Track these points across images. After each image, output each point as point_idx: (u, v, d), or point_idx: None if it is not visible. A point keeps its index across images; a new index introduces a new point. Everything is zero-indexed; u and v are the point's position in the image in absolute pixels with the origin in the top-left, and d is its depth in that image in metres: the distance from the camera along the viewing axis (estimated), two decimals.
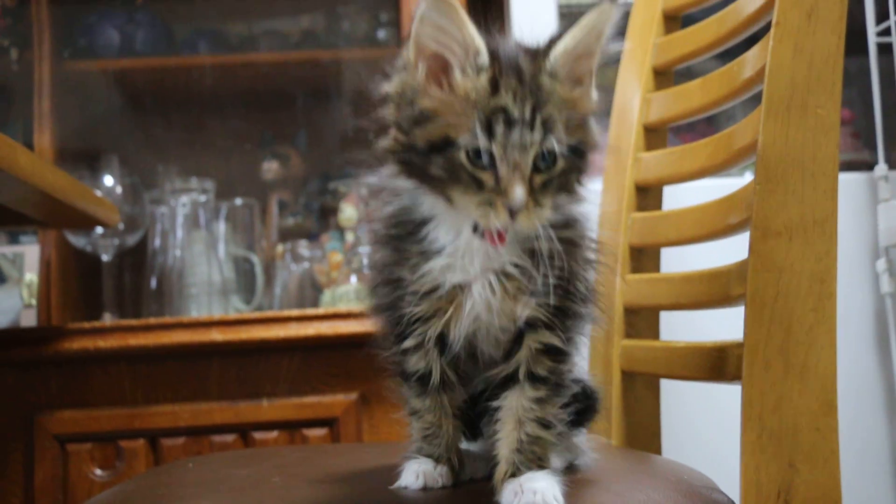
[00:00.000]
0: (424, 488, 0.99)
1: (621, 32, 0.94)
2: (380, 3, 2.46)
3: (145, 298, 2.23)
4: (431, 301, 0.96)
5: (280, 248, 2.31)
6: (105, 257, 2.21)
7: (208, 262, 2.20)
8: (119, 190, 2.23)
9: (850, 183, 2.07)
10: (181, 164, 2.45)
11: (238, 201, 2.34)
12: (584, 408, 1.07)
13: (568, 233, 0.94)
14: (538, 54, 0.90)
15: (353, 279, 2.14)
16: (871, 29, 2.09)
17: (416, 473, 1.00)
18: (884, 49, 2.08)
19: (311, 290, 2.24)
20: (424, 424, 1.02)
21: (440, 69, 0.90)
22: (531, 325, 0.95)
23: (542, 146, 0.87)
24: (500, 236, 0.91)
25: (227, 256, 2.26)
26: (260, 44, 2.52)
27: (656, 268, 1.51)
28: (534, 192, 0.87)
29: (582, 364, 1.10)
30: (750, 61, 1.24)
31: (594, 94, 0.94)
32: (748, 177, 1.87)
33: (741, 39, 1.38)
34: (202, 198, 2.24)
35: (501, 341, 0.97)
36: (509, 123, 0.86)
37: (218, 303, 2.19)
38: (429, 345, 0.98)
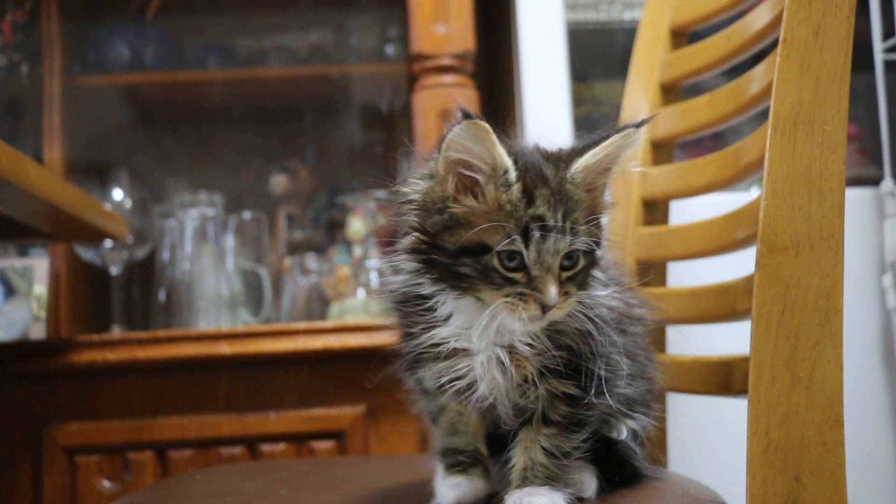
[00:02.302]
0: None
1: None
2: (388, 18, 2.47)
3: (154, 311, 2.24)
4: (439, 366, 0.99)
5: (288, 261, 2.31)
6: (114, 270, 2.22)
7: (216, 276, 2.21)
8: (128, 203, 2.24)
9: (856, 199, 2.08)
10: (190, 178, 2.46)
11: (246, 215, 2.34)
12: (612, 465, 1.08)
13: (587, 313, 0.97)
14: (560, 162, 0.95)
15: (361, 292, 2.14)
16: (878, 46, 2.09)
17: (449, 485, 1.01)
18: (890, 66, 2.09)
19: (318, 304, 2.24)
20: (450, 417, 1.03)
21: (469, 183, 0.94)
22: (543, 374, 0.97)
23: (570, 247, 0.92)
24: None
25: (236, 270, 2.26)
26: (269, 59, 2.53)
27: (663, 282, 1.52)
28: (561, 287, 0.92)
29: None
30: (757, 78, 1.24)
31: (606, 200, 1.00)
32: (755, 192, 1.88)
33: (748, 56, 1.39)
34: (211, 211, 2.25)
35: (516, 402, 0.99)
36: (545, 230, 0.91)
37: (226, 316, 2.20)
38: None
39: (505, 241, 0.90)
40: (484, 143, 0.91)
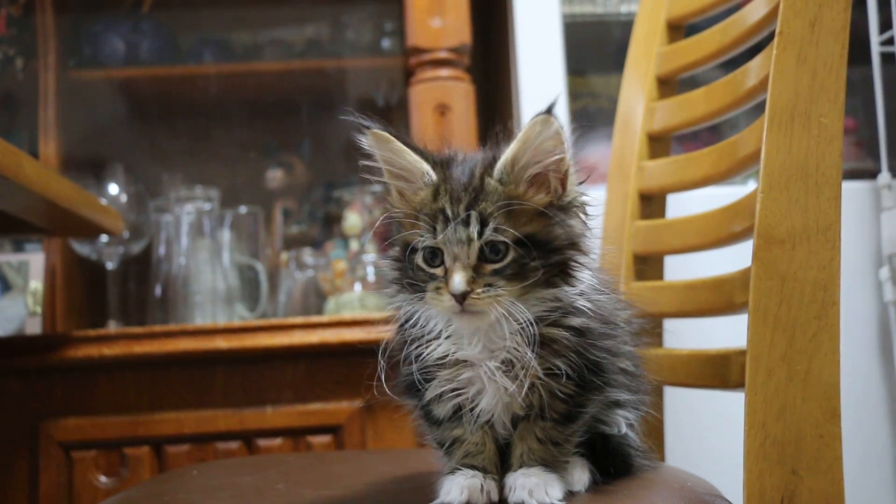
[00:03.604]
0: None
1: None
2: (384, 12, 2.47)
3: (150, 306, 2.23)
4: (442, 376, 1.00)
5: (284, 256, 2.31)
6: (110, 265, 2.21)
7: (213, 270, 2.21)
8: (124, 198, 2.23)
9: (853, 192, 2.08)
10: (186, 173, 2.45)
11: (242, 209, 2.34)
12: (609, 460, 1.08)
13: (575, 322, 0.97)
14: (490, 162, 0.97)
15: (357, 287, 2.14)
16: (875, 38, 2.09)
17: (461, 487, 0.97)
18: (887, 58, 2.09)
19: (315, 298, 2.24)
20: (468, 447, 1.01)
21: (404, 188, 1.00)
22: (542, 378, 0.97)
23: (485, 238, 0.93)
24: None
25: (232, 264, 2.26)
26: (265, 53, 2.53)
27: (660, 276, 1.51)
28: (482, 278, 0.93)
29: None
30: (753, 70, 1.24)
31: (571, 190, 0.98)
32: (752, 185, 1.87)
33: (745, 49, 1.39)
34: (207, 206, 2.25)
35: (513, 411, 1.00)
36: (446, 221, 0.94)
37: (222, 310, 2.19)
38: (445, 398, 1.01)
39: (418, 236, 0.95)
40: (392, 150, 0.97)
